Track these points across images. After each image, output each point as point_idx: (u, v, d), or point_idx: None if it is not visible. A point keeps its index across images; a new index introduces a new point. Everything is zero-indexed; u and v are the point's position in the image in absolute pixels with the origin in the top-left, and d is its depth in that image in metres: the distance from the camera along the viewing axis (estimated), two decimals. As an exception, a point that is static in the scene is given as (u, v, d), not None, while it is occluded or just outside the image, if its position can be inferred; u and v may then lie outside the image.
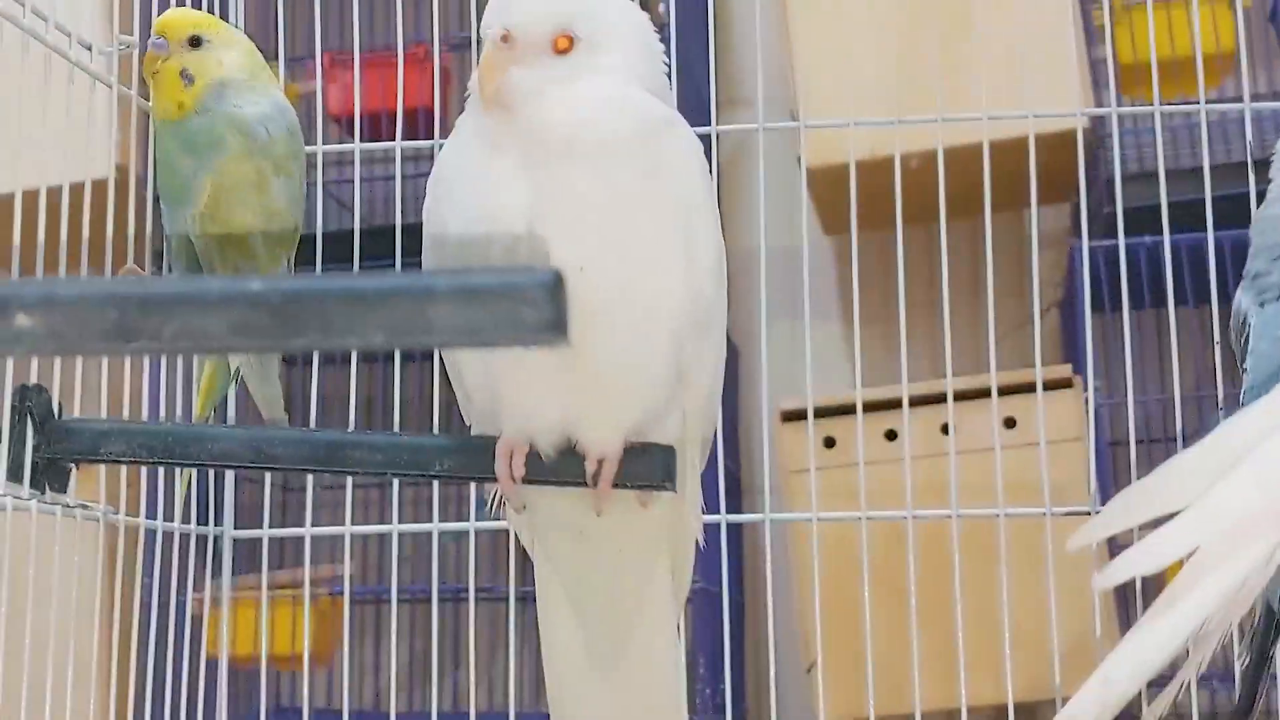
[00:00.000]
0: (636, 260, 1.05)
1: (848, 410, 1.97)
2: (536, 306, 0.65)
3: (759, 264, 1.81)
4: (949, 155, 1.75)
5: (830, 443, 2.12)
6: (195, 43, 1.32)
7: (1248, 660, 1.13)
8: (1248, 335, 1.33)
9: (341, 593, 2.11)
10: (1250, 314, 1.33)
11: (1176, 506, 0.86)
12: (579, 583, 1.16)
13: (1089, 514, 1.69)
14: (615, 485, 1.06)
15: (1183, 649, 0.89)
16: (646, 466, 1.06)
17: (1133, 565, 0.86)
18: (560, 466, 1.06)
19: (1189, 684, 1.01)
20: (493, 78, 1.05)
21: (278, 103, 1.35)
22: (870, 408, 1.94)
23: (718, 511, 1.69)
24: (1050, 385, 1.94)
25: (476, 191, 1.05)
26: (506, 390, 1.06)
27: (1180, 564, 0.89)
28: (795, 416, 2.08)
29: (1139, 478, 1.11)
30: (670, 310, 1.07)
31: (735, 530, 2.27)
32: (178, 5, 1.50)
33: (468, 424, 1.14)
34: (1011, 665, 1.65)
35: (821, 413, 2.00)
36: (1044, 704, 1.91)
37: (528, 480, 1.06)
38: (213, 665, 1.73)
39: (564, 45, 1.06)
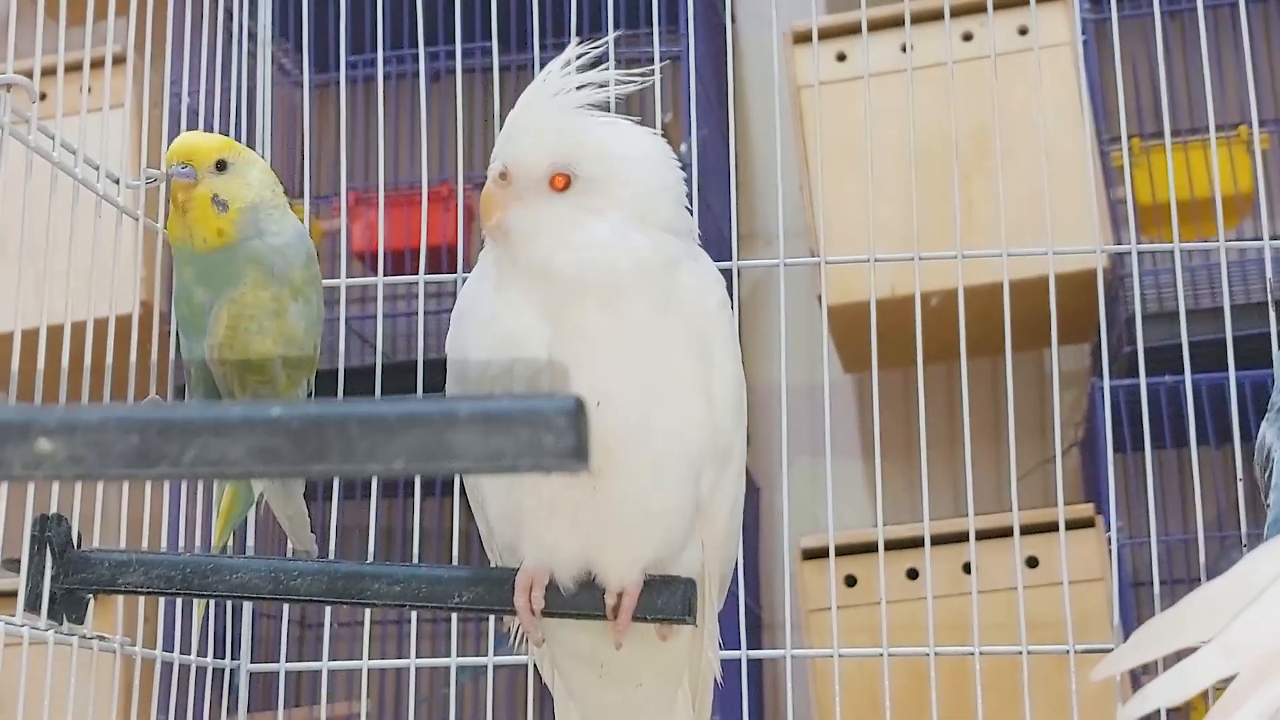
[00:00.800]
0: (653, 395, 1.05)
1: (869, 548, 1.95)
2: (558, 433, 0.65)
3: (780, 400, 1.81)
4: (969, 294, 1.75)
5: (851, 581, 2.10)
6: (221, 166, 1.29)
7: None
8: (1271, 469, 1.32)
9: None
10: (1274, 447, 1.32)
11: (1201, 639, 0.86)
12: (599, 716, 1.15)
13: (1112, 651, 1.67)
14: (635, 618, 1.05)
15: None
16: (666, 599, 1.06)
17: (1158, 696, 0.85)
18: (580, 599, 1.06)
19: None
20: (491, 214, 1.06)
21: (296, 227, 1.33)
22: (891, 546, 1.93)
23: (738, 647, 1.68)
24: (1072, 525, 1.93)
25: (497, 319, 1.06)
26: (528, 521, 1.06)
27: (1207, 704, 0.88)
28: (816, 554, 2.07)
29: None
30: (689, 443, 1.07)
31: (755, 669, 2.25)
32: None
33: (489, 556, 1.14)
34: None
35: (842, 551, 1.99)
36: None
37: (547, 613, 1.06)
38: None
39: (561, 184, 1.06)
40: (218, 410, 0.67)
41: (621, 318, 1.05)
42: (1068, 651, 1.66)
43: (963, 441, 1.73)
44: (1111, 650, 1.68)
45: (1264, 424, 1.35)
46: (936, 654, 1.67)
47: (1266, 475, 1.33)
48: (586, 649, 1.11)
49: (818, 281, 2.06)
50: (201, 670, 1.55)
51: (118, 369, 1.34)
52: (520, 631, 1.10)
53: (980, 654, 1.67)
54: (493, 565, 1.12)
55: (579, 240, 1.05)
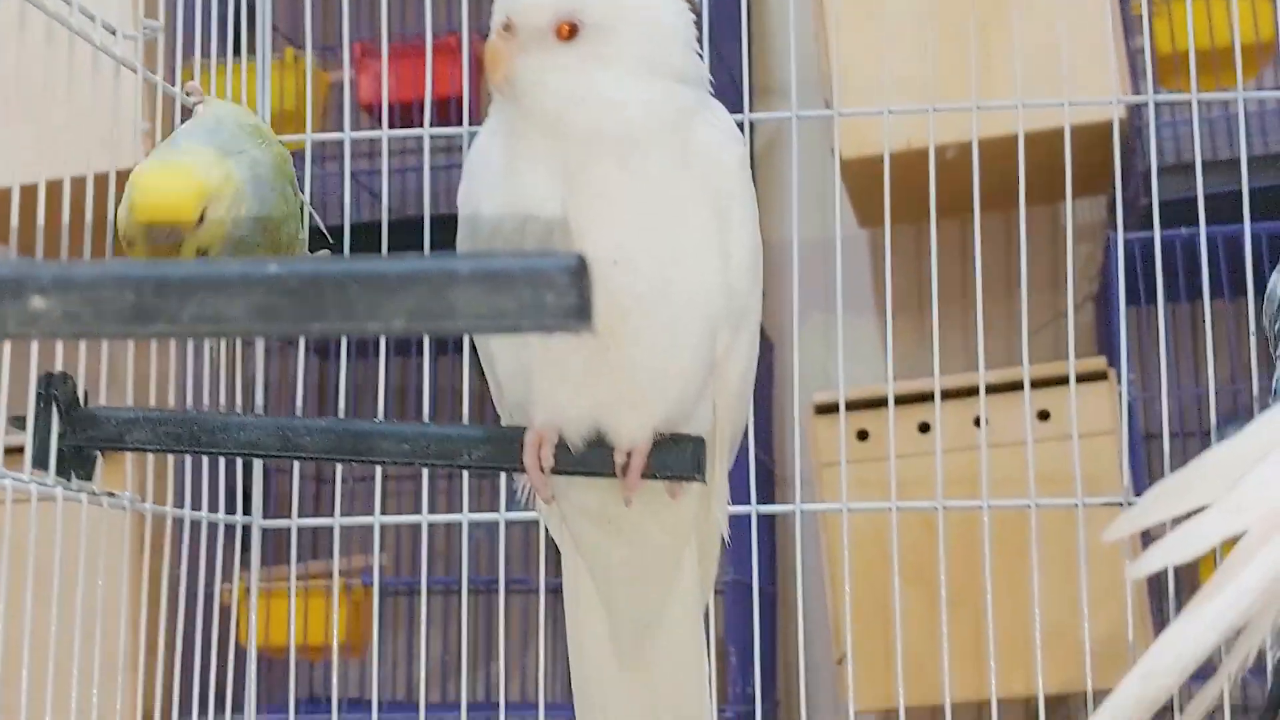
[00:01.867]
0: (669, 254, 1.04)
1: (881, 403, 1.95)
2: (560, 292, 0.64)
3: (792, 256, 1.80)
4: (984, 147, 1.74)
5: (863, 435, 2.10)
6: (200, 219, 1.18)
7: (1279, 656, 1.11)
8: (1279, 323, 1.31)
9: (373, 584, 2.11)
10: None
11: (1212, 499, 0.85)
12: (606, 573, 1.16)
13: (1121, 505, 1.68)
14: (644, 476, 1.05)
15: (1221, 645, 0.88)
16: (676, 458, 1.05)
17: (1166, 555, 0.85)
18: (589, 457, 1.05)
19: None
20: (496, 68, 1.03)
21: (257, 173, 1.24)
22: (903, 400, 1.93)
23: (749, 503, 1.68)
24: (1084, 378, 1.93)
25: (508, 176, 1.04)
26: (538, 381, 1.05)
27: (1215, 562, 0.88)
28: (828, 409, 2.07)
29: (1172, 471, 1.09)
30: (704, 303, 1.06)
31: (768, 523, 2.26)
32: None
33: (499, 414, 1.13)
34: (1042, 657, 1.64)
35: (854, 405, 1.99)
36: (1074, 696, 1.90)
37: (556, 471, 1.06)
38: (246, 654, 1.73)
39: (567, 33, 1.03)
40: (216, 268, 0.66)
41: (636, 174, 1.02)
42: (1076, 505, 1.67)
43: (975, 295, 1.71)
44: (1120, 505, 1.69)
45: (1274, 275, 1.34)
46: (945, 508, 1.68)
47: (1277, 328, 1.31)
48: (595, 506, 1.11)
49: (831, 135, 2.04)
50: (213, 526, 1.56)
51: (98, 226, 1.32)
52: (530, 489, 1.09)
53: (989, 508, 1.68)
54: (502, 423, 1.12)
55: (589, 93, 1.03)
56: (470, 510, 1.63)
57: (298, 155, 1.99)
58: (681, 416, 1.07)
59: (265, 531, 1.71)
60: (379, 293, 0.65)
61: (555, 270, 0.64)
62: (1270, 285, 1.34)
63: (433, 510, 1.62)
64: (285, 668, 1.73)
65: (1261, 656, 0.97)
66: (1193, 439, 2.24)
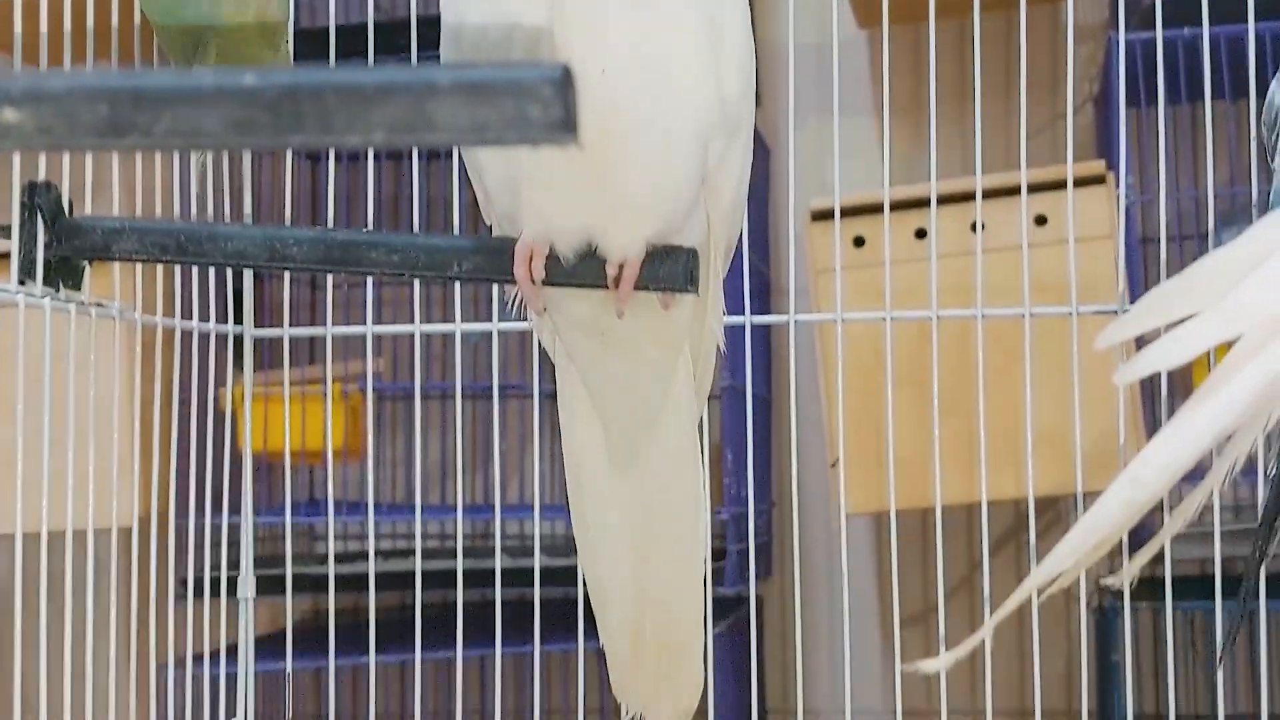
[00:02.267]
0: (659, 61, 1.01)
1: (877, 209, 1.94)
2: (545, 104, 0.63)
3: (788, 58, 1.77)
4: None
5: (859, 242, 2.09)
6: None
7: (1276, 467, 1.11)
8: (1278, 130, 1.29)
9: (362, 389, 2.12)
10: None
11: (1206, 306, 0.85)
12: (601, 383, 1.16)
13: (1116, 313, 1.68)
14: (637, 288, 1.04)
15: (1210, 450, 0.88)
16: (669, 269, 1.04)
17: (1158, 359, 0.85)
18: (581, 269, 1.04)
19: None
20: None
21: None
22: (900, 206, 1.91)
23: (744, 312, 1.68)
24: (1082, 182, 1.91)
25: None
26: (527, 192, 1.04)
27: (1209, 367, 0.88)
28: (824, 216, 2.05)
29: (1169, 276, 1.09)
30: (696, 111, 1.04)
31: (763, 330, 2.26)
32: None
33: (489, 225, 1.12)
34: (1033, 460, 1.66)
35: (850, 212, 1.98)
36: (1064, 499, 1.91)
37: (547, 282, 1.05)
38: (243, 459, 1.75)
39: None
40: (191, 79, 0.65)
41: None
42: (1070, 314, 1.67)
43: (974, 98, 1.69)
44: (1115, 312, 1.69)
45: (1274, 83, 1.31)
46: (939, 317, 1.68)
47: (1274, 137, 1.29)
48: (588, 318, 1.10)
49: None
50: (205, 336, 1.56)
51: (100, 27, 1.30)
52: (521, 300, 1.09)
53: (983, 316, 1.67)
54: (493, 234, 1.10)
55: None
56: (464, 320, 1.62)
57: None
58: (674, 228, 1.06)
59: (259, 339, 1.72)
60: (357, 104, 0.63)
61: (539, 81, 0.63)
62: (1270, 93, 1.32)
63: (426, 320, 1.62)
64: (284, 471, 1.74)
65: (1252, 459, 0.98)
66: (1190, 242, 2.23)
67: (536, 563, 1.65)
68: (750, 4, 2.01)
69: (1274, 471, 1.10)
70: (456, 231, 1.57)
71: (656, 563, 1.20)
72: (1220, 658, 1.36)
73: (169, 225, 1.04)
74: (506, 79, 0.64)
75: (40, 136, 0.64)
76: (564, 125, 0.63)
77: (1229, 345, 0.86)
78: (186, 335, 1.52)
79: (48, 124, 0.63)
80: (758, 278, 2.26)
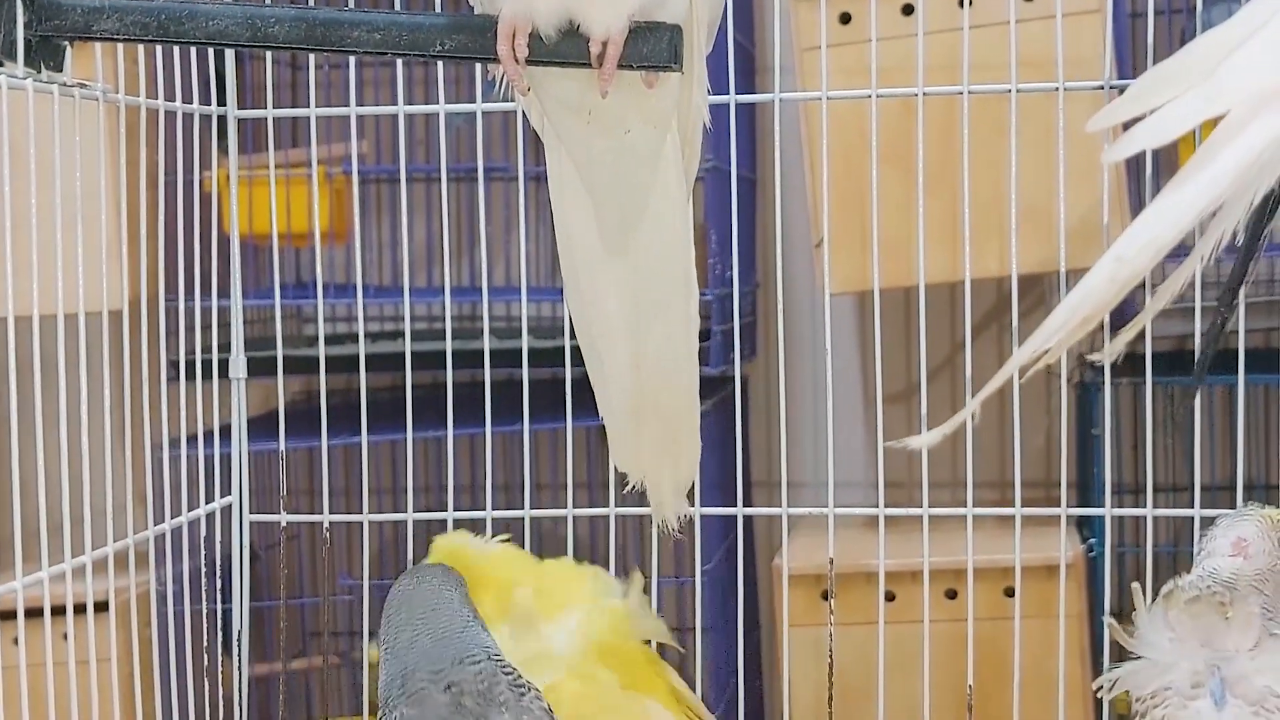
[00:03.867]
0: None
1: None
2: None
3: None
4: None
5: (846, 18, 2.06)
6: None
7: (1244, 238, 1.13)
8: None
9: (345, 172, 2.11)
10: None
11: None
12: (589, 162, 1.16)
13: (1103, 90, 1.67)
14: (621, 66, 1.04)
15: (1192, 229, 0.89)
16: (652, 47, 1.04)
17: (1145, 138, 0.86)
18: (564, 47, 1.04)
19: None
20: None
21: None
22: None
23: (728, 91, 1.68)
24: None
25: None
26: None
27: (1195, 145, 0.88)
28: (808, -9, 2.03)
29: (1158, 51, 1.08)
30: None
31: (748, 110, 2.24)
32: None
33: (470, 4, 1.11)
34: (1017, 238, 1.67)
35: (836, -12, 1.95)
36: (1048, 276, 1.92)
37: (531, 61, 1.04)
38: (230, 240, 1.76)
39: None
40: None
41: None
42: (1057, 89, 1.66)
43: None
44: (1102, 89, 1.69)
45: None
46: (925, 94, 1.67)
47: None
48: (573, 97, 1.10)
49: None
50: (189, 117, 1.55)
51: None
52: (506, 79, 1.08)
53: (969, 93, 1.67)
54: (475, 12, 1.10)
55: None
56: (447, 100, 1.62)
57: None
58: (656, 4, 1.06)
59: (243, 121, 1.71)
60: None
61: None
62: None
63: (410, 101, 1.61)
64: (270, 253, 1.75)
65: (1236, 235, 0.99)
66: (1179, 15, 2.21)
67: (524, 343, 1.67)
68: None
69: (1242, 240, 1.11)
70: (438, 9, 1.55)
71: (652, 337, 1.22)
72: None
73: (149, 4, 1.03)
74: None
75: None
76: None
77: (1215, 123, 0.86)
78: (170, 117, 1.51)
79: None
80: (743, 55, 2.24)
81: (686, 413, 1.26)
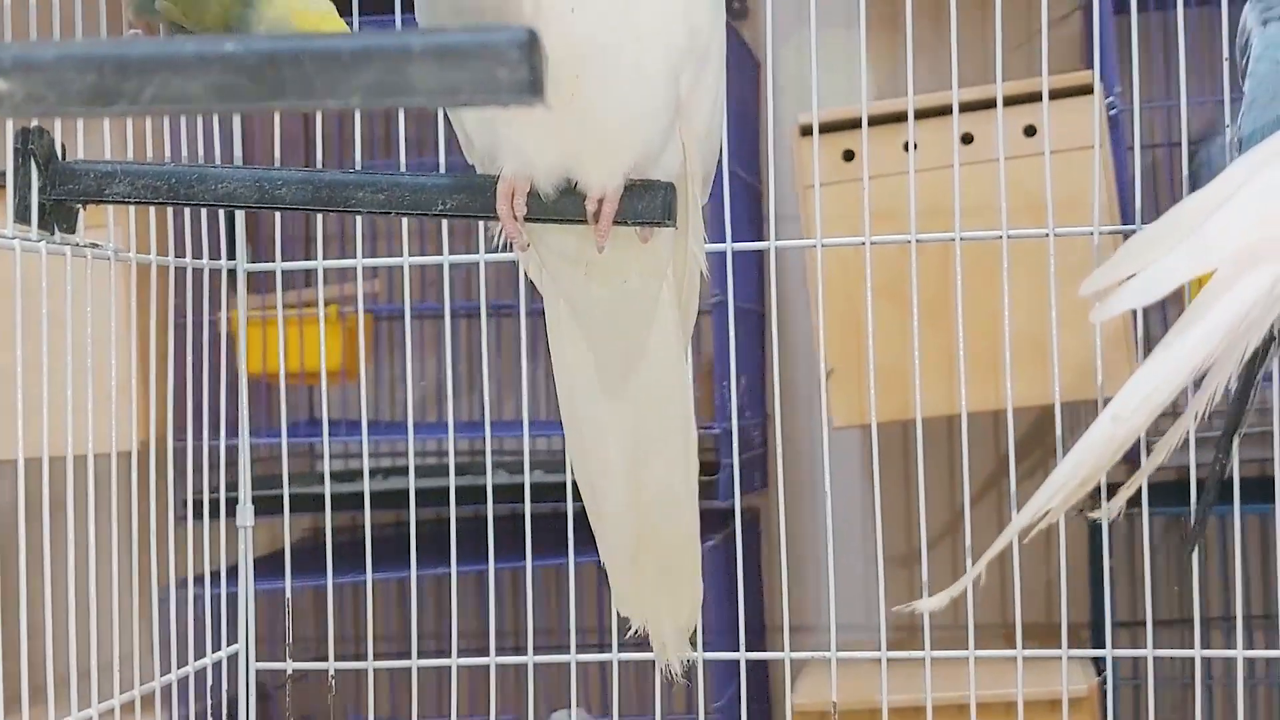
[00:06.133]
0: None
1: (869, 121, 1.96)
2: (511, 66, 0.65)
3: None
4: None
5: (849, 155, 2.10)
6: None
7: (1238, 384, 1.14)
8: (1249, 54, 1.29)
9: (369, 310, 2.14)
10: (1254, 32, 1.29)
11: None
12: (587, 311, 1.18)
13: (1091, 234, 1.70)
14: (616, 222, 1.07)
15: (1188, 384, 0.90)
16: (646, 204, 1.07)
17: (1133, 296, 0.87)
18: (561, 204, 1.07)
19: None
20: None
21: None
22: (888, 120, 1.93)
23: (726, 239, 1.71)
24: (1068, 92, 1.91)
25: None
26: (505, 130, 1.06)
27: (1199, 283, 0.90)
28: (813, 130, 2.06)
29: (1149, 183, 1.10)
30: (666, 44, 1.06)
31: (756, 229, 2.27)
32: None
33: (470, 163, 1.14)
34: (1018, 374, 1.68)
35: (840, 126, 1.99)
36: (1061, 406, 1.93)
37: (529, 218, 1.07)
38: (251, 382, 1.78)
39: None
40: (174, 47, 0.67)
41: None
42: (1048, 235, 1.68)
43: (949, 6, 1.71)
44: (1090, 235, 1.71)
45: (1247, 7, 1.31)
46: (919, 241, 1.70)
47: (1245, 60, 1.30)
48: (572, 250, 1.13)
49: None
50: (199, 272, 1.58)
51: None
52: (505, 236, 1.11)
53: (961, 239, 1.70)
54: (475, 173, 1.13)
55: None
56: (452, 251, 1.65)
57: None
58: (650, 161, 1.08)
59: (250, 276, 1.74)
60: (335, 70, 0.65)
61: (506, 44, 0.65)
62: (1243, 15, 1.32)
63: (417, 252, 1.64)
64: (276, 393, 1.77)
65: (1230, 382, 1.01)
66: (1178, 149, 2.24)
67: (527, 478, 1.68)
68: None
69: (1235, 387, 1.12)
70: (444, 170, 1.59)
71: (651, 482, 1.23)
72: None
73: (160, 168, 1.06)
74: (476, 42, 0.66)
75: (30, 105, 0.66)
76: (530, 87, 0.65)
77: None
78: (179, 271, 1.55)
79: (38, 93, 0.65)
80: (749, 193, 2.27)
81: (687, 556, 1.27)
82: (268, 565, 1.85)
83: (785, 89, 1.96)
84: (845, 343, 1.89)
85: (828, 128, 1.95)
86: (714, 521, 1.94)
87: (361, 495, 1.77)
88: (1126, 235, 1.71)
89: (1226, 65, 1.66)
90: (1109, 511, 0.99)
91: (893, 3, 2.13)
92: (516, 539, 1.71)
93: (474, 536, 1.74)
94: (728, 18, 2.17)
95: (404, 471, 2.13)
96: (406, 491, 1.74)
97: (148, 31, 1.24)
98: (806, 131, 2.09)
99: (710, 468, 1.94)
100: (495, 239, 1.13)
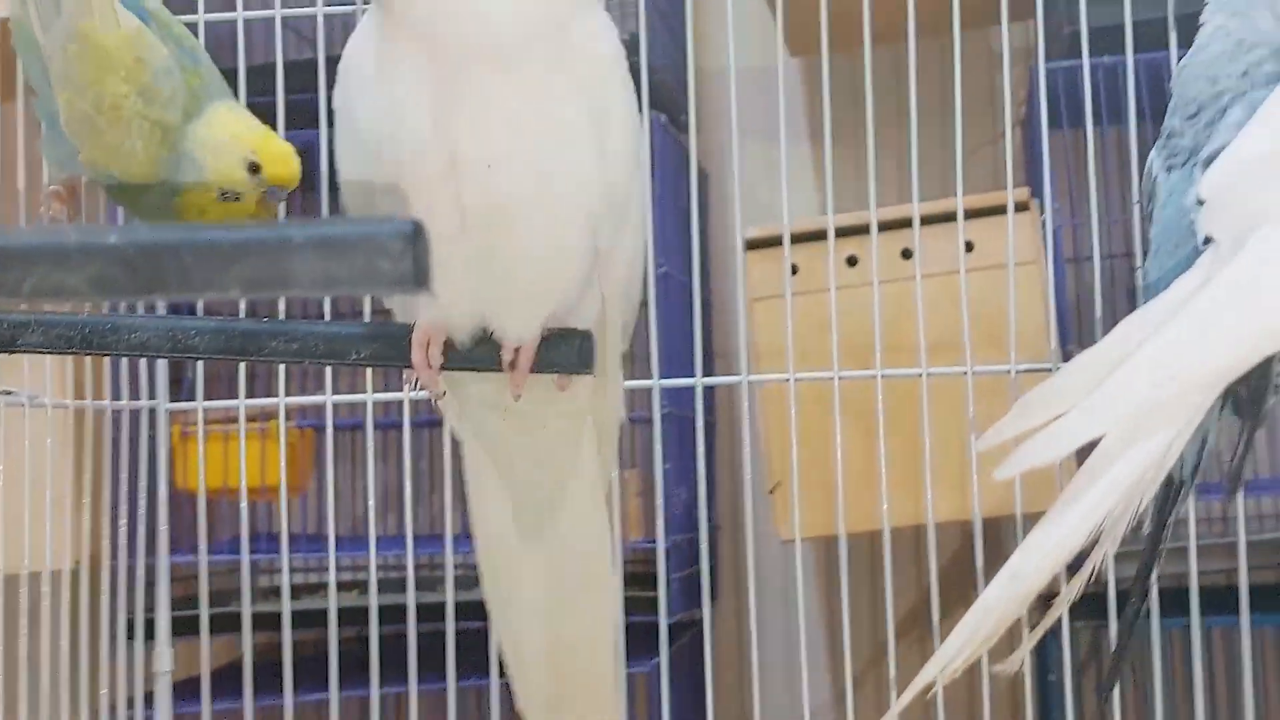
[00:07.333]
0: (545, 155, 1.03)
1: (811, 237, 1.98)
2: (394, 258, 0.65)
3: (729, 85, 1.82)
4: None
5: (793, 270, 2.11)
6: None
7: (1149, 529, 1.15)
8: (1155, 201, 1.30)
9: (314, 425, 2.13)
10: (1159, 179, 1.30)
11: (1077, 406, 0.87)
12: (506, 457, 1.18)
13: (1050, 370, 1.72)
14: (533, 371, 1.07)
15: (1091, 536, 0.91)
16: (564, 353, 1.07)
17: (1030, 457, 0.88)
18: (477, 354, 1.07)
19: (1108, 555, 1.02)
20: None
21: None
22: (822, 236, 1.95)
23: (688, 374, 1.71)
24: (1002, 209, 1.94)
25: (382, 83, 1.03)
26: None
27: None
28: (760, 244, 2.08)
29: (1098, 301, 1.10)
30: (583, 201, 1.06)
31: (707, 355, 2.27)
32: None
33: (388, 309, 1.14)
34: (935, 490, 1.71)
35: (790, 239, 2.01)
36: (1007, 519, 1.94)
37: (445, 368, 1.07)
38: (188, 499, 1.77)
39: None
40: (56, 238, 0.67)
41: (510, 79, 1.01)
42: (965, 373, 1.70)
43: (866, 129, 1.73)
44: (1050, 370, 1.72)
45: (1153, 150, 1.32)
46: (884, 376, 1.72)
47: (1150, 206, 1.30)
48: (490, 397, 1.13)
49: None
50: (118, 414, 1.58)
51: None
52: (419, 385, 1.11)
53: (882, 376, 1.72)
54: (395, 319, 1.13)
55: (460, 4, 1.00)
56: (373, 390, 1.65)
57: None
58: (568, 311, 1.09)
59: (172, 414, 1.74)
60: (215, 261, 0.65)
61: (389, 237, 0.65)
62: (1148, 161, 1.33)
63: (342, 386, 1.64)
64: (222, 509, 1.76)
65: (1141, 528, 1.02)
66: (1119, 260, 2.26)
67: (450, 595, 1.67)
68: (686, 29, 2.04)
69: (1148, 530, 1.13)
70: (366, 312, 1.60)
71: (570, 627, 1.22)
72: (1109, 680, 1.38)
73: (73, 318, 1.05)
74: (359, 234, 0.66)
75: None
76: (413, 278, 0.65)
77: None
78: (98, 413, 1.55)
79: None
80: (692, 304, 2.27)
81: (605, 699, 1.25)
82: (193, 686, 1.83)
83: (734, 202, 1.97)
84: (802, 454, 1.90)
85: (774, 242, 1.97)
86: (658, 637, 1.93)
87: (311, 612, 1.76)
88: (1044, 372, 1.73)
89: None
90: (1014, 661, 0.99)
91: (846, 118, 2.15)
92: (444, 658, 1.70)
93: (397, 655, 1.73)
94: (674, 130, 2.19)
95: (352, 587, 2.11)
96: (356, 610, 1.73)
97: (67, 193, 1.23)
98: (752, 245, 2.11)
99: (654, 583, 1.93)
100: (412, 387, 1.13)
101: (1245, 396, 1.10)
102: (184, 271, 0.65)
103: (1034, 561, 0.87)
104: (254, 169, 1.18)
